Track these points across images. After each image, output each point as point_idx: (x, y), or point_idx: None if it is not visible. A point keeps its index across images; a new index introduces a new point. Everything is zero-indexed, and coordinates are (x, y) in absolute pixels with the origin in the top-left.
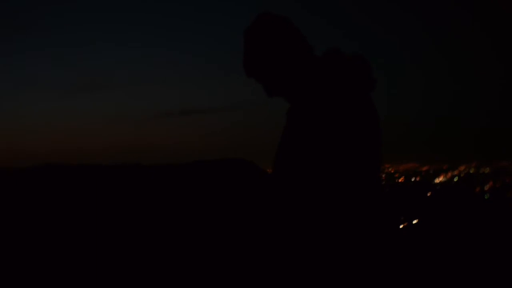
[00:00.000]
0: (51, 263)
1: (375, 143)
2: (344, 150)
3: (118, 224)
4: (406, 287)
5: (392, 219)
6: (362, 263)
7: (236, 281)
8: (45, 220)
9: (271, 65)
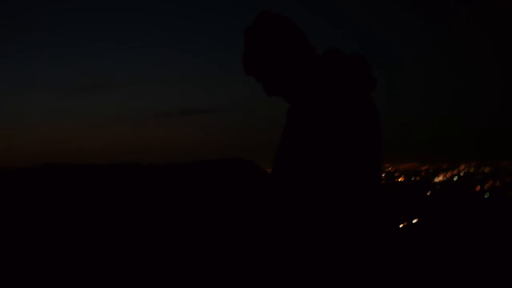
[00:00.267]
0: (52, 263)
1: (375, 143)
2: (344, 150)
3: (118, 224)
4: (406, 287)
5: (392, 218)
6: (362, 262)
7: (236, 281)
8: (44, 220)
9: (271, 64)
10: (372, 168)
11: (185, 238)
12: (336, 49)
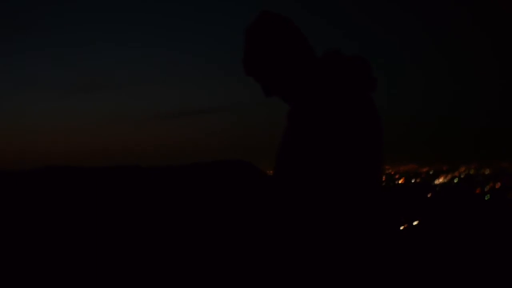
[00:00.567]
0: (52, 264)
1: (376, 144)
2: (345, 151)
3: (117, 225)
4: None
5: (393, 220)
6: (363, 264)
7: (236, 282)
8: (44, 221)
9: (271, 64)
10: (373, 170)
11: (185, 240)
12: (336, 49)
